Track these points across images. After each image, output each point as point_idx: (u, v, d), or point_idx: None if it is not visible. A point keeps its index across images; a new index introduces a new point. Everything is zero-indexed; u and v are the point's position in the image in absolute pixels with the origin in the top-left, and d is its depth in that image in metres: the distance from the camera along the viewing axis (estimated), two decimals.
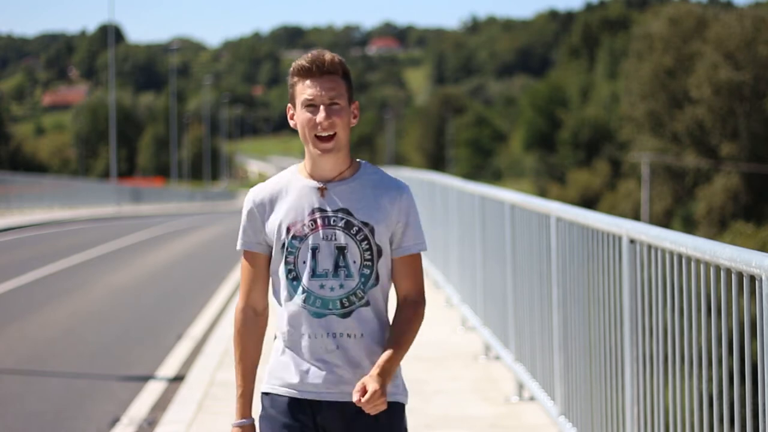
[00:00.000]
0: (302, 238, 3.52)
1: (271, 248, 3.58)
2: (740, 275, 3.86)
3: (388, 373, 3.44)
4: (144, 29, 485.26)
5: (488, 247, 9.36)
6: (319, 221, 3.52)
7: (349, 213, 3.52)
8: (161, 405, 8.47)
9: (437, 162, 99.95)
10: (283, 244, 3.53)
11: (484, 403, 7.91)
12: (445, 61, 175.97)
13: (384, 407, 3.40)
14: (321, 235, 3.51)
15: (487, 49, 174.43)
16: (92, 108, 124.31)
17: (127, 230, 31.62)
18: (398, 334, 3.52)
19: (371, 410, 3.39)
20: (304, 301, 3.51)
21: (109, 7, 58.31)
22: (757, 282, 3.64)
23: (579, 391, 6.19)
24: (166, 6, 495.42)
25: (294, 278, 3.53)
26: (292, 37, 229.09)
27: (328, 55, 3.54)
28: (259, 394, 3.63)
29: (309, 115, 3.51)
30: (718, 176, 60.67)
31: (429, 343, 9.91)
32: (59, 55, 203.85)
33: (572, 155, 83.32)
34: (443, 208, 12.74)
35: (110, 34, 60.89)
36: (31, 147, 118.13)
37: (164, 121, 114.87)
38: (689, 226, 57.55)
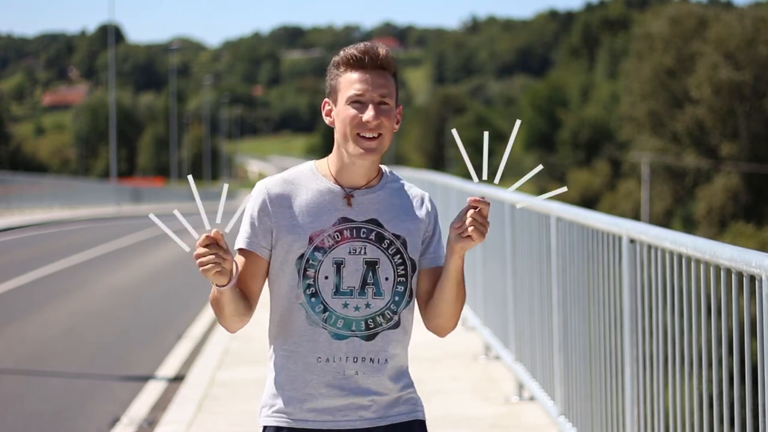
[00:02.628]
0: (326, 251, 3.14)
1: (267, 254, 3.20)
2: (740, 275, 3.86)
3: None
4: (144, 29, 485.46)
5: (488, 247, 9.36)
6: (346, 232, 3.15)
7: (378, 224, 3.17)
8: (161, 405, 8.47)
9: (437, 162, 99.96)
10: (302, 255, 3.14)
11: (484, 403, 7.91)
12: (445, 61, 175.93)
13: (482, 234, 3.08)
14: (347, 249, 3.15)
15: (487, 49, 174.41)
16: (92, 108, 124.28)
17: (127, 230, 31.61)
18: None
19: (477, 219, 3.07)
20: (325, 321, 3.15)
21: (109, 7, 58.36)
22: (757, 282, 3.64)
23: (579, 391, 6.19)
24: (166, 6, 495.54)
25: (313, 294, 3.15)
26: (292, 37, 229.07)
27: (382, 49, 3.15)
28: (262, 428, 3.27)
29: (354, 111, 3.11)
30: (718, 176, 60.66)
31: (429, 343, 9.91)
32: (59, 55, 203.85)
33: (572, 155, 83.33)
34: (443, 208, 12.74)
35: (110, 34, 60.88)
36: (31, 147, 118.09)
37: (164, 121, 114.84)
38: (689, 226, 57.54)
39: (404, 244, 3.19)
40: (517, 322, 7.98)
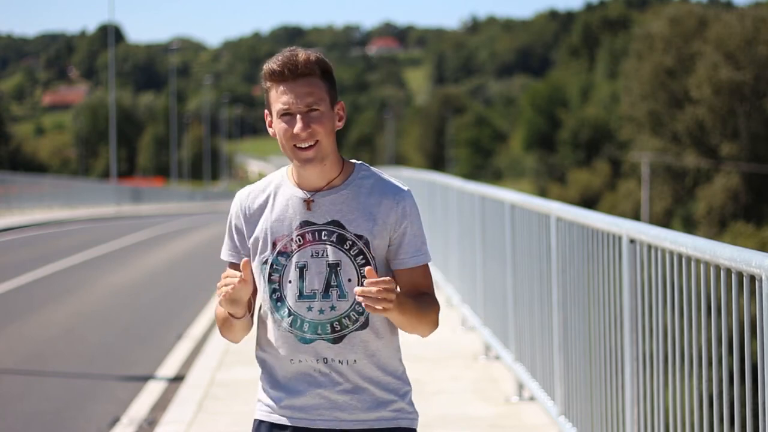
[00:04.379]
0: (288, 255, 3.16)
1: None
2: (740, 275, 3.86)
3: (403, 299, 3.08)
4: (144, 29, 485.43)
5: (488, 247, 9.36)
6: (308, 236, 3.15)
7: (340, 225, 3.15)
8: (161, 405, 8.47)
9: (437, 162, 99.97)
10: (266, 261, 3.18)
11: (484, 403, 7.91)
12: (445, 61, 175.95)
13: (389, 304, 3.00)
14: (309, 252, 3.15)
15: (487, 49, 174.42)
16: (92, 108, 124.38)
17: (127, 230, 31.62)
18: (422, 298, 3.21)
19: (377, 297, 2.99)
20: (291, 325, 3.16)
21: (109, 7, 58.36)
22: (757, 282, 3.64)
23: (579, 391, 6.19)
24: (166, 6, 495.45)
25: (278, 299, 3.17)
26: (292, 37, 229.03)
27: (301, 55, 3.12)
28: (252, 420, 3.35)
29: (285, 125, 3.12)
30: (718, 176, 60.67)
31: (429, 343, 9.91)
32: (59, 55, 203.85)
33: (572, 155, 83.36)
34: (443, 208, 12.75)
35: (110, 34, 60.89)
36: (31, 147, 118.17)
37: (164, 121, 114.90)
38: (689, 226, 57.55)
39: (367, 244, 3.16)
40: (517, 322, 7.98)
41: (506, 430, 7.18)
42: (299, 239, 3.16)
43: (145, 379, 9.60)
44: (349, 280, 3.15)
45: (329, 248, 3.15)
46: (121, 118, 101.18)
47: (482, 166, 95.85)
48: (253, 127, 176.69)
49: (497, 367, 9.09)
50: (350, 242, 3.15)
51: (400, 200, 3.19)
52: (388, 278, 3.03)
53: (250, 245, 3.22)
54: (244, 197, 3.26)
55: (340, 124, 3.20)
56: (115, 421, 8.10)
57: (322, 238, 3.16)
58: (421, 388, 8.25)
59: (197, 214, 50.69)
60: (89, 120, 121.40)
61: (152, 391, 9.09)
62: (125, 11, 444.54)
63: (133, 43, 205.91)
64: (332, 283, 3.14)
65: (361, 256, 3.15)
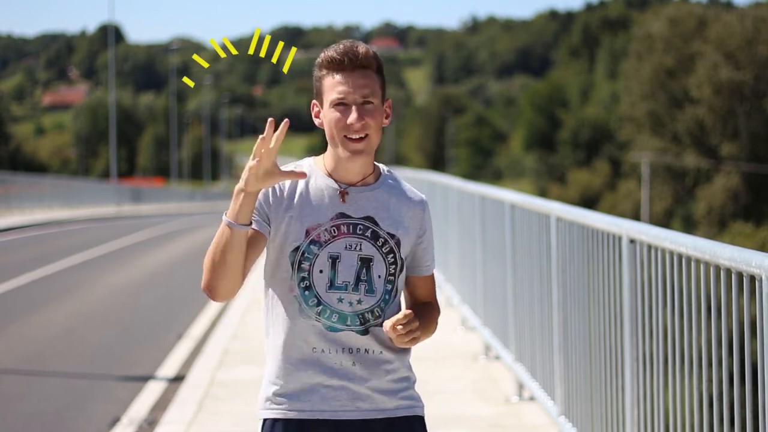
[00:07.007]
0: (321, 245, 3.15)
1: (267, 232, 3.17)
2: (740, 275, 3.86)
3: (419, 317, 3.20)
4: (144, 29, 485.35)
5: (488, 247, 9.36)
6: (343, 228, 3.16)
7: (374, 222, 3.19)
8: (161, 405, 8.47)
9: (437, 162, 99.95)
10: (298, 248, 3.15)
11: (484, 403, 7.91)
12: (445, 61, 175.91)
13: (418, 334, 3.13)
14: (343, 244, 3.16)
15: (487, 49, 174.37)
16: (92, 108, 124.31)
17: (127, 230, 31.61)
18: (424, 311, 3.29)
19: (404, 335, 3.10)
20: (319, 314, 3.16)
21: (109, 7, 58.35)
22: (757, 282, 3.64)
23: (579, 391, 6.19)
24: (166, 6, 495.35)
25: (307, 287, 3.15)
26: (292, 37, 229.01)
27: (361, 47, 3.14)
28: (260, 421, 3.26)
29: (339, 114, 3.12)
30: (718, 176, 60.65)
31: (429, 343, 9.91)
32: (59, 55, 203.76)
33: (572, 155, 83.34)
34: (443, 208, 12.75)
35: (110, 34, 60.87)
36: (31, 147, 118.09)
37: (164, 121, 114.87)
38: (689, 226, 57.55)
39: (398, 243, 3.21)
40: (517, 322, 7.98)
41: (506, 430, 7.18)
42: (333, 230, 3.17)
43: (145, 379, 9.60)
44: (379, 277, 3.18)
45: (364, 243, 3.18)
46: (121, 118, 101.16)
47: (482, 166, 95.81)
48: (253, 127, 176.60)
49: (497, 367, 9.09)
50: (383, 239, 3.19)
51: (423, 208, 3.28)
52: (408, 312, 3.11)
53: (272, 227, 3.18)
54: None
55: (386, 122, 3.22)
56: (115, 421, 8.10)
57: (357, 232, 3.18)
58: (421, 388, 8.21)
59: (197, 214, 50.66)
60: (89, 120, 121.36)
61: (152, 391, 9.09)
62: (125, 11, 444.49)
63: (133, 43, 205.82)
64: (362, 278, 3.17)
65: (392, 255, 3.20)
